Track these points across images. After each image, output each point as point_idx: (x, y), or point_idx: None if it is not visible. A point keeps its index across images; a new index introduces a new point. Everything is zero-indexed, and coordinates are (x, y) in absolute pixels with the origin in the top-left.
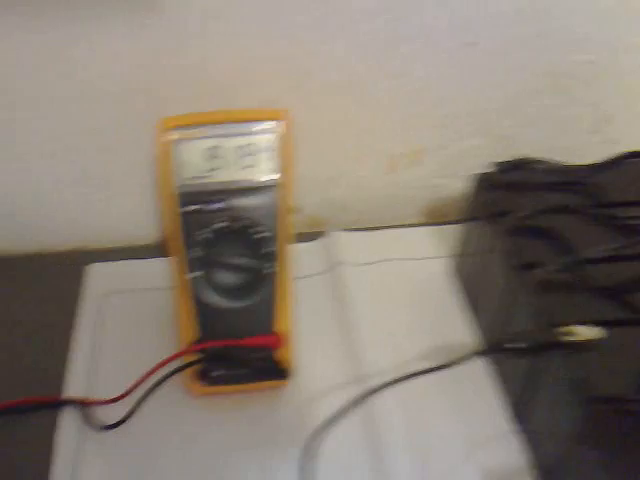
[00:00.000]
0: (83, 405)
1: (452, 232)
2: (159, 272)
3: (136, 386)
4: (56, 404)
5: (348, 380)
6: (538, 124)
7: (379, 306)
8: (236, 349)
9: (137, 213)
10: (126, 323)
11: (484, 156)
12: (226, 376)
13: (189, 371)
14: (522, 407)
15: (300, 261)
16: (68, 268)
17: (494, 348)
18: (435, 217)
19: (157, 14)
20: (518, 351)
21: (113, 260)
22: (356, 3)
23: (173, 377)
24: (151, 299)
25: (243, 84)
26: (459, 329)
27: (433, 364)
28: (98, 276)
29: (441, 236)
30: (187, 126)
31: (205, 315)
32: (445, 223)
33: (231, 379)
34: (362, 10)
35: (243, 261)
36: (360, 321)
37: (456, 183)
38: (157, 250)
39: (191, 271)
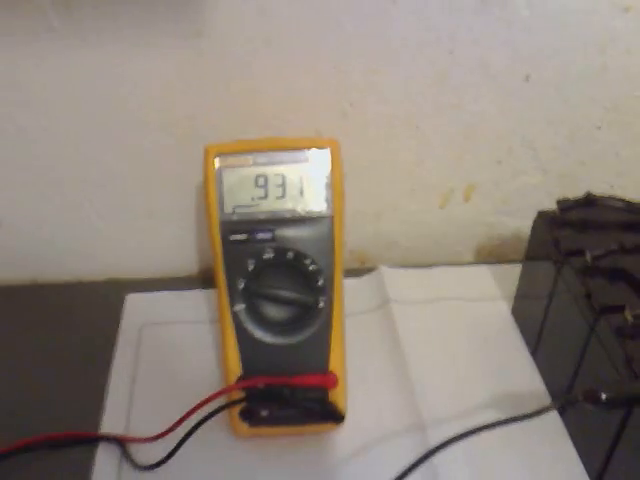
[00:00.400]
0: (121, 442)
1: (509, 272)
2: (200, 304)
3: (178, 424)
4: (93, 440)
5: (404, 428)
6: (598, 161)
7: (434, 348)
8: (287, 388)
9: (178, 243)
10: (165, 357)
11: (541, 194)
12: (274, 417)
13: (234, 410)
14: (601, 464)
15: (347, 298)
16: (106, 298)
17: (583, 398)
18: (489, 256)
19: (204, 41)
20: (609, 403)
21: (152, 291)
22: (410, 34)
23: (217, 416)
24: (192, 332)
25: (289, 114)
26: (522, 375)
27: (498, 414)
28: (137, 307)
29: (497, 276)
30: (235, 153)
31: (251, 350)
32: (500, 262)
33: (280, 420)
34: (416, 41)
35: (294, 294)
36: (415, 363)
37: (511, 221)
38: (198, 281)
39: (237, 303)
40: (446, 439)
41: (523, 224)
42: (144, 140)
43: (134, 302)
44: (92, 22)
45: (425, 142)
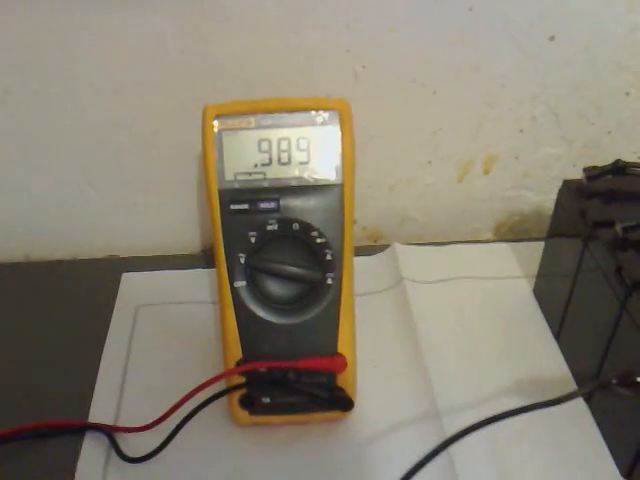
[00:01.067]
0: (110, 431)
1: (531, 249)
2: (201, 284)
3: (171, 412)
4: (80, 429)
5: (418, 415)
6: (626, 131)
7: (451, 330)
8: (291, 372)
9: (179, 218)
10: (160, 340)
11: (565, 166)
12: (277, 404)
13: (234, 396)
14: (632, 456)
15: (357, 277)
16: (102, 277)
17: (617, 382)
18: (509, 233)
19: None
20: None
21: (151, 269)
22: None
23: (215, 403)
24: (189, 313)
25: (296, 76)
26: (544, 358)
27: (519, 400)
28: (132, 287)
29: (518, 253)
30: (236, 115)
31: (253, 331)
32: (521, 240)
33: (283, 408)
34: None
35: (300, 270)
36: (430, 346)
37: (533, 196)
38: (200, 259)
39: (237, 279)
40: (464, 427)
41: (545, 198)
42: (142, 106)
43: (130, 281)
44: None
45: (442, 109)
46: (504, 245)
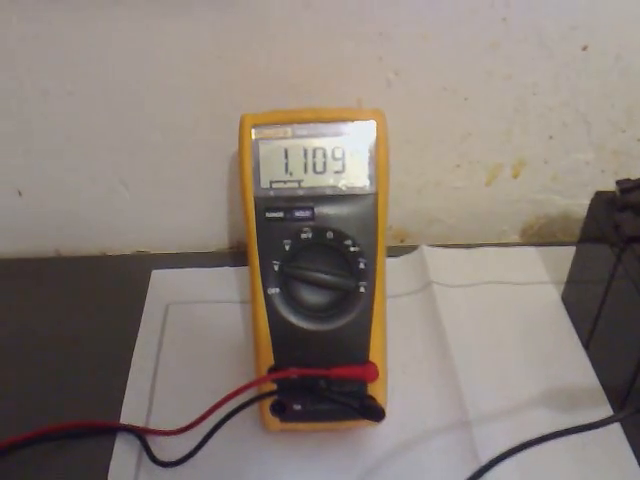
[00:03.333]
0: (142, 434)
1: (559, 254)
2: (228, 283)
3: (204, 418)
4: (111, 430)
5: (448, 424)
6: None
7: (479, 335)
8: (322, 380)
9: (208, 216)
10: (191, 340)
11: (594, 172)
12: (308, 411)
13: (265, 403)
14: None
15: (386, 279)
16: (132, 273)
17: None
18: (536, 236)
19: (240, 4)
20: None
21: (180, 266)
22: None
23: (246, 409)
24: (221, 312)
25: (329, 82)
26: (573, 368)
27: (549, 412)
28: (162, 284)
29: (546, 258)
30: (272, 124)
31: (285, 338)
32: (549, 244)
33: (314, 415)
34: (467, 6)
35: (334, 278)
36: (459, 352)
37: (561, 200)
38: (229, 257)
39: (271, 286)
40: (497, 455)
41: (573, 203)
42: (177, 109)
43: (160, 279)
44: None
45: (473, 115)
46: (532, 249)
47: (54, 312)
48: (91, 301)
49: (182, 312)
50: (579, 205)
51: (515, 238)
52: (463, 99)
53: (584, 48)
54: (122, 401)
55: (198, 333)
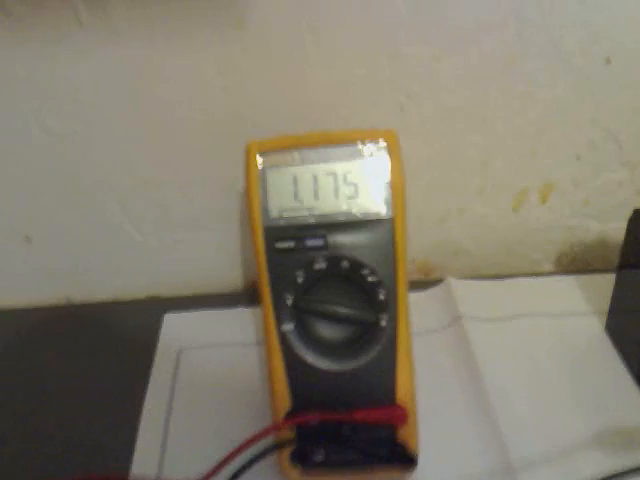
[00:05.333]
0: None
1: (598, 282)
2: (243, 324)
3: (217, 470)
4: None
5: (488, 471)
6: None
7: (516, 373)
8: (346, 426)
9: (221, 255)
10: (205, 386)
11: (628, 192)
12: (332, 460)
13: (284, 452)
14: None
15: (411, 315)
16: (144, 317)
17: None
18: (571, 265)
19: (246, 32)
20: None
21: (194, 308)
22: (473, 15)
23: (265, 459)
24: (235, 356)
25: (340, 109)
26: (625, 404)
27: (602, 455)
28: (175, 328)
29: (583, 287)
30: (280, 150)
31: (303, 379)
32: (585, 272)
33: (339, 465)
34: (480, 23)
35: (352, 310)
36: (495, 391)
37: (595, 225)
38: (244, 298)
39: (285, 322)
40: None
41: (609, 227)
42: (183, 142)
43: (172, 322)
44: (124, 14)
45: (493, 137)
46: (567, 278)
47: (64, 360)
48: (102, 349)
49: (195, 357)
50: (615, 229)
51: (549, 268)
52: (481, 120)
53: (607, 61)
54: (133, 452)
55: (212, 378)
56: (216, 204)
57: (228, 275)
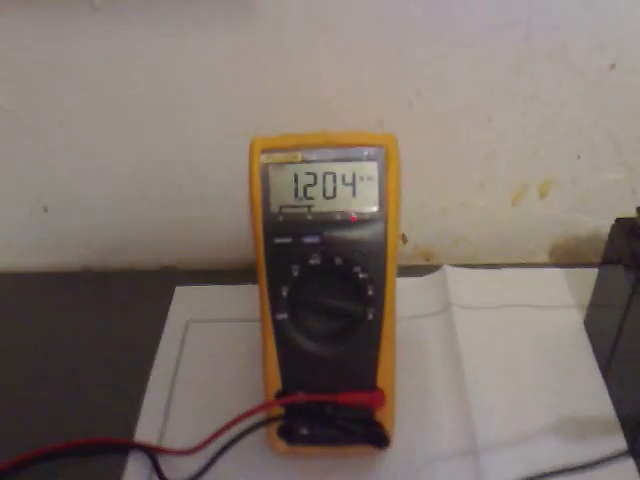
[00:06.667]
0: (153, 452)
1: (586, 277)
2: (251, 300)
3: (213, 439)
4: (124, 448)
5: (456, 451)
6: None
7: (496, 360)
8: (329, 406)
9: (233, 234)
10: (208, 359)
11: (624, 192)
12: (315, 436)
13: (273, 426)
14: None
15: (404, 299)
16: (157, 288)
17: None
18: (565, 256)
19: (257, 23)
20: None
21: (206, 282)
22: (483, 17)
23: (255, 431)
24: (240, 332)
25: (349, 103)
26: (590, 397)
27: (559, 442)
28: (185, 301)
29: (572, 280)
30: (282, 149)
31: (293, 363)
32: (577, 265)
33: (321, 439)
34: (489, 25)
35: (343, 304)
36: (473, 377)
37: (591, 221)
38: (250, 275)
39: (279, 312)
40: None
41: (603, 223)
42: (195, 127)
43: (183, 295)
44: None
45: (497, 135)
46: (558, 271)
47: (78, 325)
48: (115, 316)
49: (202, 330)
50: (609, 226)
51: (543, 258)
52: (486, 119)
53: (612, 67)
54: (138, 417)
55: (216, 352)
56: (226, 185)
57: (238, 252)
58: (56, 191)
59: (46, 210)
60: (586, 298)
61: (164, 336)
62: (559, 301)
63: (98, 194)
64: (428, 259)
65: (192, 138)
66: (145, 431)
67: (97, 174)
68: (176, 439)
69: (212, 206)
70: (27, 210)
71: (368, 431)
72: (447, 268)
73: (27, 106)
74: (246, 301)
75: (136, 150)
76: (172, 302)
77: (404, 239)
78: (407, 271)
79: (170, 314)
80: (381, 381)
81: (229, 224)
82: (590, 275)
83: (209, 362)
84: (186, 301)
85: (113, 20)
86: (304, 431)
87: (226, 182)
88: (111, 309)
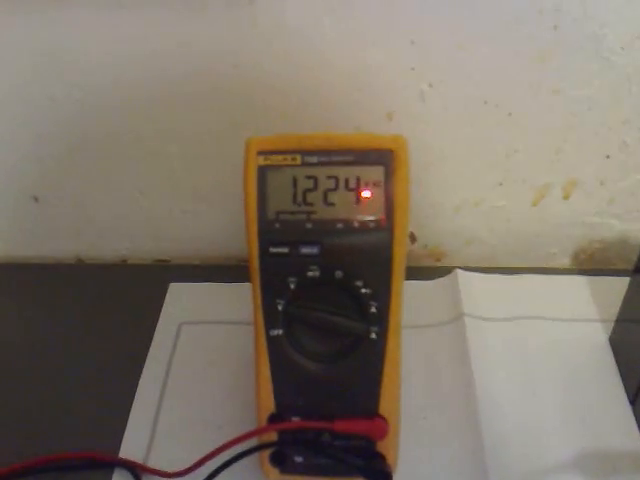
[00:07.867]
0: (139, 471)
1: (612, 285)
2: (247, 301)
3: (201, 463)
4: (109, 464)
5: None
6: None
7: (511, 380)
8: (326, 433)
9: (228, 229)
10: (200, 367)
11: None
12: (310, 465)
13: (265, 452)
14: None
15: (411, 305)
16: (151, 282)
17: None
18: (589, 260)
19: (258, 8)
20: None
21: (199, 277)
22: (505, 4)
23: (245, 457)
24: (233, 335)
25: (357, 94)
26: (614, 424)
27: (580, 476)
28: (178, 299)
29: (596, 290)
30: (280, 151)
31: (288, 384)
32: (602, 272)
33: (316, 469)
34: (512, 13)
35: (343, 321)
36: (486, 398)
37: (618, 224)
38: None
39: (274, 328)
40: None
41: (632, 228)
42: (193, 118)
43: (176, 293)
44: None
45: (519, 131)
46: (581, 279)
47: (69, 319)
48: (107, 312)
49: (195, 333)
50: (638, 230)
51: (565, 262)
52: (507, 114)
53: None
54: (124, 430)
55: (209, 358)
56: (224, 178)
57: (234, 247)
58: (46, 181)
59: (37, 200)
60: (613, 311)
61: (154, 341)
62: (582, 314)
63: (93, 186)
64: (439, 260)
65: (188, 128)
66: (131, 446)
67: (93, 164)
68: (163, 455)
69: (209, 199)
70: (17, 200)
71: (368, 464)
72: (459, 272)
73: (14, 94)
74: (243, 301)
75: (130, 139)
76: (165, 301)
77: (413, 238)
78: (415, 273)
79: (162, 314)
80: (384, 408)
81: (226, 218)
82: (618, 285)
83: (201, 371)
84: (180, 300)
85: (107, 6)
86: (298, 459)
87: (224, 175)
88: (102, 304)
